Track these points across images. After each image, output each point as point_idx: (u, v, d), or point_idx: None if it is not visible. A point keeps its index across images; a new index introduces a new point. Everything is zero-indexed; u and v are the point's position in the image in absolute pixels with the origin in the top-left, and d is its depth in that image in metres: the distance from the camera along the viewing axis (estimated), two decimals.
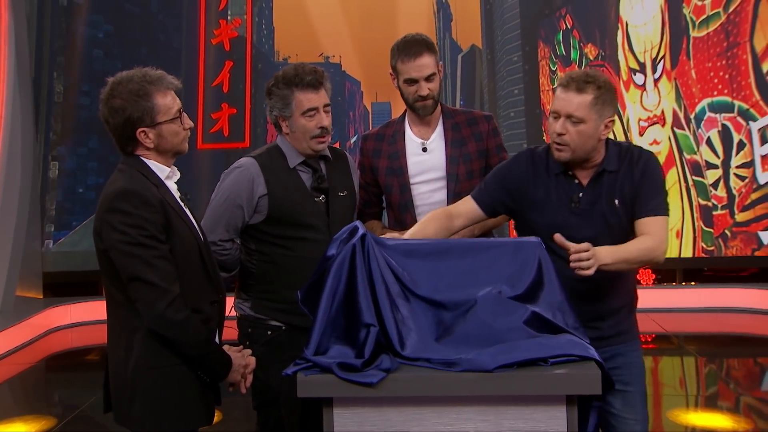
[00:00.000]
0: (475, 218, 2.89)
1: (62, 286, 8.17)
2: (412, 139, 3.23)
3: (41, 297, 8.05)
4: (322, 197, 3.02)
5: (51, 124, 8.14)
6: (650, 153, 2.81)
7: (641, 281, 7.95)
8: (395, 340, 2.23)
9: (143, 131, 2.43)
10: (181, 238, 2.42)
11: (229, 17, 8.32)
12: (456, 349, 2.22)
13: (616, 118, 2.73)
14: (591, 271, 2.47)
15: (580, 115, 2.63)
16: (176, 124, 2.45)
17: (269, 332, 2.99)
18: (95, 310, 7.31)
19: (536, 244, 2.43)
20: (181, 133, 2.48)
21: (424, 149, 3.21)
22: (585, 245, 2.48)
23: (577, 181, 2.74)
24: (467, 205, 2.85)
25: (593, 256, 2.48)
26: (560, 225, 2.62)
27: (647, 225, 2.67)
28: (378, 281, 2.27)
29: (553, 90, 2.72)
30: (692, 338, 6.96)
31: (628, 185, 2.70)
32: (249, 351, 2.62)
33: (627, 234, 2.66)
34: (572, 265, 2.46)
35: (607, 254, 2.54)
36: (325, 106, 2.97)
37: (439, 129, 3.23)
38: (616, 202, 2.70)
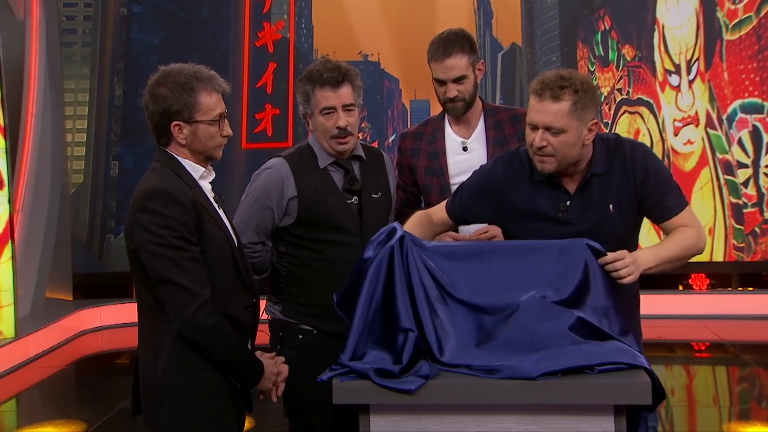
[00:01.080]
0: (451, 228, 2.70)
1: (93, 288, 8.04)
2: (452, 137, 3.07)
3: (71, 299, 7.92)
4: (354, 199, 2.85)
5: (112, 126, 8.25)
6: (642, 144, 2.56)
7: (694, 286, 7.67)
8: (434, 345, 2.12)
9: (178, 125, 2.30)
10: (214, 240, 2.30)
11: (272, 20, 8.33)
12: (497, 355, 2.11)
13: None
14: (633, 278, 2.27)
15: (560, 125, 2.34)
16: (214, 128, 2.32)
17: (300, 336, 2.84)
18: (126, 312, 7.15)
19: (583, 245, 2.26)
20: (217, 139, 2.34)
21: (465, 148, 3.04)
22: (622, 252, 2.27)
23: (563, 188, 2.47)
24: (441, 214, 2.66)
25: (633, 263, 2.27)
26: (547, 237, 2.36)
27: (677, 222, 2.44)
28: (417, 285, 2.17)
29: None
30: (750, 347, 6.52)
31: (624, 187, 2.44)
32: (282, 358, 2.49)
33: (623, 241, 2.38)
34: (613, 274, 2.26)
35: (650, 257, 2.33)
36: (346, 106, 2.78)
37: (481, 127, 3.06)
38: (611, 207, 2.44)
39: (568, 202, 2.45)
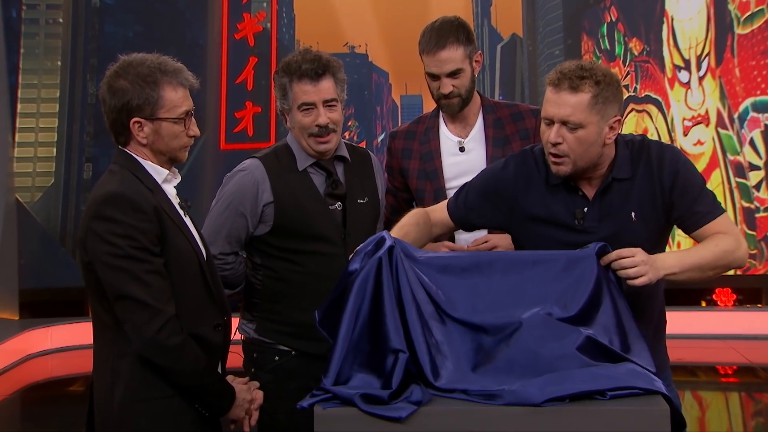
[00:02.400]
0: (451, 230, 2.62)
1: (41, 306, 7.85)
2: (447, 137, 3.01)
3: (17, 318, 7.77)
4: (337, 204, 2.78)
5: (84, 126, 8.27)
6: (671, 147, 2.46)
7: (719, 302, 7.59)
8: (427, 368, 2.06)
9: (138, 122, 2.23)
10: (178, 251, 2.23)
11: (252, 10, 8.38)
12: (498, 379, 2.05)
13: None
14: (644, 280, 2.17)
15: (577, 119, 2.25)
16: (179, 127, 2.26)
17: (276, 358, 2.77)
18: (80, 332, 6.86)
19: (593, 257, 2.20)
20: (182, 139, 2.28)
21: (462, 149, 2.98)
22: (633, 249, 2.19)
23: (581, 193, 2.38)
24: (441, 215, 2.57)
25: (647, 263, 2.17)
26: (561, 245, 2.29)
27: (711, 229, 2.33)
28: (408, 301, 2.10)
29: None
30: None
31: (649, 194, 2.35)
32: (256, 384, 2.43)
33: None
34: (619, 273, 2.18)
35: (674, 261, 2.23)
36: (328, 101, 2.71)
37: (479, 125, 3.00)
38: (633, 215, 2.35)
39: (585, 209, 2.36)
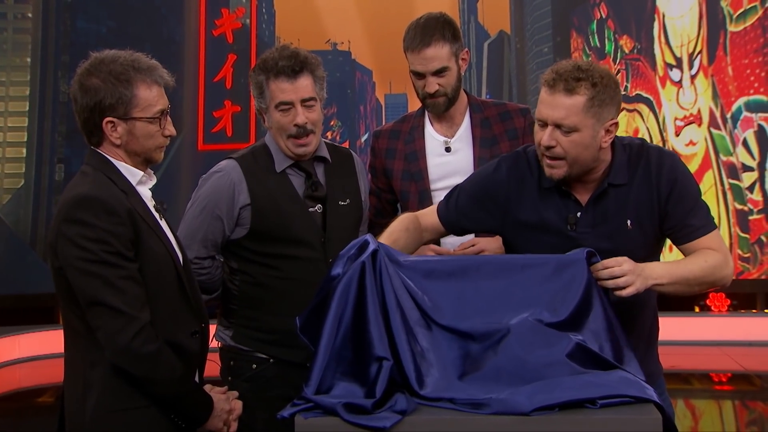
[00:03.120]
0: (442, 234, 2.61)
1: (9, 313, 7.77)
2: (432, 136, 3.00)
3: None
4: (317, 207, 2.76)
5: (56, 125, 8.25)
6: (671, 153, 2.46)
7: (713, 307, 7.63)
8: (412, 376, 2.05)
9: (111, 122, 2.22)
10: (154, 255, 2.21)
11: (231, 6, 8.39)
12: (485, 387, 2.04)
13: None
14: (633, 289, 2.18)
15: (572, 122, 2.24)
16: (154, 126, 2.25)
17: (254, 366, 2.76)
18: (50, 341, 6.89)
19: (583, 260, 2.20)
20: (158, 139, 2.26)
21: (448, 149, 2.98)
22: (620, 258, 2.19)
23: (573, 198, 2.37)
24: (432, 219, 2.55)
25: (635, 272, 2.17)
26: (553, 252, 2.27)
27: (701, 244, 2.34)
28: (392, 306, 2.09)
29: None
30: None
31: (647, 200, 2.34)
32: (235, 393, 2.42)
33: (638, 261, 2.28)
34: (606, 284, 2.17)
35: (662, 271, 2.24)
36: (306, 100, 2.69)
37: (466, 125, 2.99)
38: (629, 222, 2.34)
39: (578, 214, 2.36)
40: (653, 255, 2.40)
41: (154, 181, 2.32)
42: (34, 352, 7.21)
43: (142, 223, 2.19)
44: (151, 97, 2.22)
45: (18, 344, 7.31)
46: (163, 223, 2.30)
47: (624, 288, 2.16)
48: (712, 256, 2.30)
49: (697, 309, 7.61)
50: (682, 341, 6.69)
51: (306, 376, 2.05)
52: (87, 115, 2.22)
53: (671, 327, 6.90)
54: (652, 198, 2.33)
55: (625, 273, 2.16)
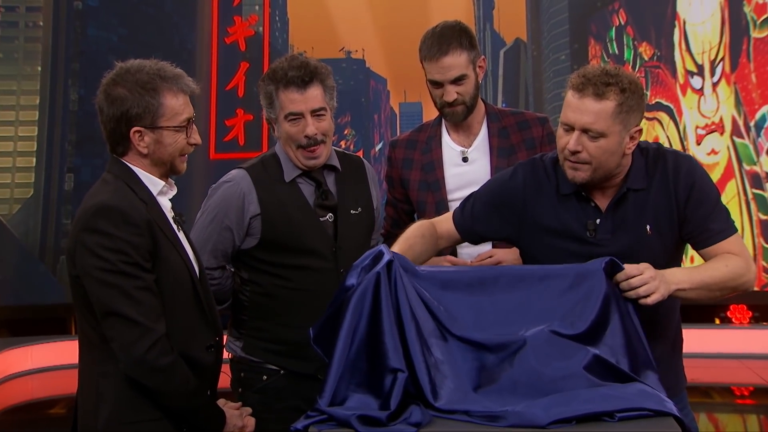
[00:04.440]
0: (458, 242, 2.61)
1: (21, 324, 7.74)
2: (450, 146, 3.02)
3: None
4: (329, 216, 2.78)
5: (66, 134, 8.20)
6: (687, 156, 2.46)
7: (733, 319, 7.53)
8: (427, 388, 2.07)
9: (139, 131, 2.24)
10: (171, 267, 2.24)
11: (243, 13, 8.32)
12: (501, 399, 2.06)
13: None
14: (656, 297, 2.18)
15: (600, 128, 2.25)
16: (181, 135, 2.27)
17: (264, 377, 2.77)
18: (63, 351, 6.86)
19: (601, 271, 2.20)
20: (184, 147, 2.30)
21: (465, 159, 3.00)
22: (642, 265, 2.20)
23: (593, 204, 2.38)
24: (447, 226, 2.56)
25: (657, 278, 2.18)
26: (572, 258, 2.29)
27: (721, 249, 2.34)
28: (407, 317, 2.10)
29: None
30: None
31: (665, 205, 2.35)
32: (248, 410, 2.43)
33: (661, 269, 2.28)
34: (628, 294, 2.18)
35: (684, 277, 2.24)
36: (316, 111, 2.70)
37: (483, 134, 3.01)
38: (648, 228, 2.35)
39: (598, 221, 2.37)
40: (674, 261, 2.40)
41: (174, 191, 2.34)
42: (47, 363, 7.19)
43: (160, 233, 2.21)
44: (177, 105, 2.25)
45: (30, 355, 7.29)
46: (181, 235, 2.32)
47: (647, 296, 2.17)
48: (733, 260, 2.31)
49: (717, 321, 7.50)
50: (702, 354, 6.57)
51: (319, 387, 2.06)
52: (113, 125, 2.24)
53: (691, 339, 6.81)
54: (671, 203, 2.35)
55: (646, 281, 2.16)
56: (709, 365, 6.60)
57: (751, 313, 7.50)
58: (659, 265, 2.26)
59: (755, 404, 6.24)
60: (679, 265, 2.43)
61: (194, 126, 2.31)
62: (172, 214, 2.32)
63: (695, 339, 6.80)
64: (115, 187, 2.23)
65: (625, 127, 2.27)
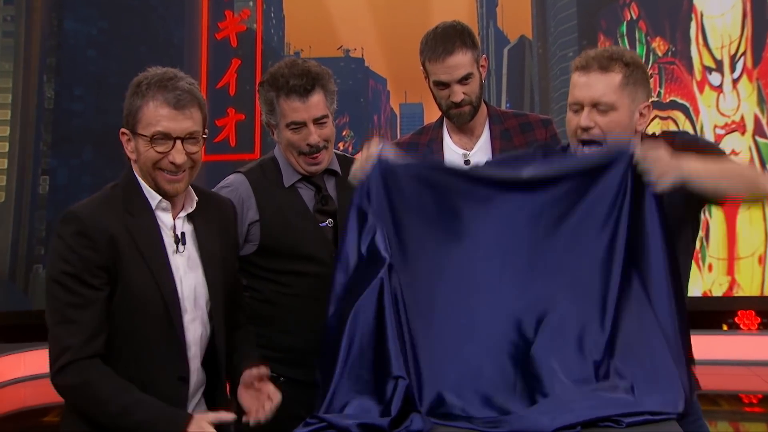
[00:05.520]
0: None
1: (14, 330, 7.75)
2: (451, 149, 3.10)
3: None
4: (328, 221, 2.86)
5: (41, 133, 8.16)
6: (685, 133, 2.62)
7: (741, 325, 7.62)
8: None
9: (124, 133, 2.30)
10: (134, 289, 2.24)
11: (235, 8, 8.29)
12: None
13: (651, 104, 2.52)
14: (667, 184, 2.23)
15: (610, 99, 2.42)
16: (149, 148, 2.24)
17: None
18: None
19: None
20: (158, 162, 2.26)
21: (467, 162, 3.06)
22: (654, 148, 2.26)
23: None
24: None
25: (661, 161, 2.24)
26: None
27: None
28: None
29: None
30: None
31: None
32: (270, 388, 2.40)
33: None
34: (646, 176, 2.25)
35: (698, 164, 2.27)
36: (318, 119, 2.77)
37: (485, 137, 3.10)
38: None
39: None
40: (688, 221, 2.51)
41: (181, 211, 2.35)
42: (40, 369, 7.20)
43: (127, 251, 2.22)
44: (154, 115, 2.22)
45: (23, 362, 7.35)
46: (176, 258, 2.32)
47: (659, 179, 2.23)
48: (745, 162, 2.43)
49: (725, 327, 7.58)
50: (709, 360, 6.57)
51: (318, 394, 2.14)
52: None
53: (698, 345, 6.82)
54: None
55: (654, 161, 2.23)
56: (716, 372, 6.67)
57: (759, 319, 7.58)
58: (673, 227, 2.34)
59: (764, 412, 6.31)
60: (696, 229, 2.56)
61: (179, 145, 2.24)
62: (173, 233, 2.32)
63: (702, 345, 6.81)
64: (100, 195, 2.29)
65: (634, 101, 2.44)
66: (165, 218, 2.32)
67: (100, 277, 2.20)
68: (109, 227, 2.21)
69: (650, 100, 2.51)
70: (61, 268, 2.19)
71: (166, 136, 2.24)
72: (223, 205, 2.53)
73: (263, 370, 2.35)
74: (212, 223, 2.42)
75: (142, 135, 2.25)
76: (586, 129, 2.43)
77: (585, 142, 2.44)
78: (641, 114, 2.47)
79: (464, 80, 2.96)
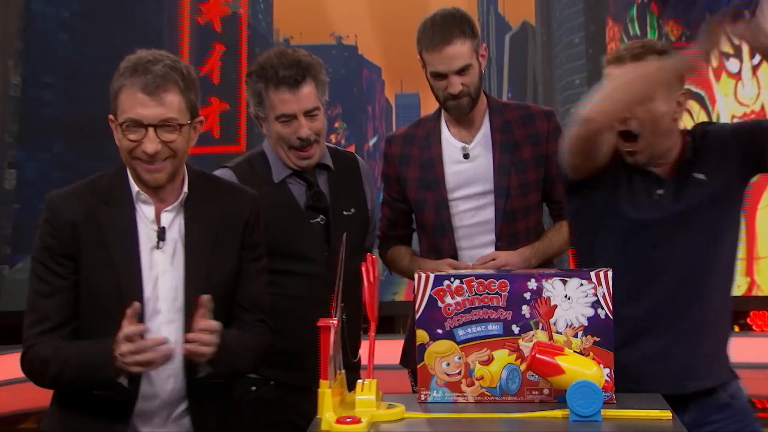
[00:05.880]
0: None
1: None
2: (450, 142, 3.12)
3: None
4: (320, 218, 2.88)
5: (7, 123, 7.99)
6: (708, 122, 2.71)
7: (754, 327, 7.59)
8: None
9: (112, 120, 2.33)
10: (93, 283, 2.30)
11: None
12: None
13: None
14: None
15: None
16: (120, 134, 2.28)
17: (253, 388, 2.83)
18: None
19: None
20: (133, 151, 2.28)
21: (466, 155, 3.10)
22: None
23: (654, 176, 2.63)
24: None
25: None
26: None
27: None
28: None
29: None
30: None
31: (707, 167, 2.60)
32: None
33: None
34: None
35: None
36: (309, 111, 2.81)
37: (485, 129, 3.11)
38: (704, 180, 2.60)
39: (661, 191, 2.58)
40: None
41: (165, 206, 2.35)
42: (15, 374, 7.22)
43: (89, 240, 2.28)
44: (124, 101, 2.26)
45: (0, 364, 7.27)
46: (155, 254, 2.32)
47: None
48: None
49: (737, 328, 7.46)
50: None
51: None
52: None
53: None
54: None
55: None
56: None
57: None
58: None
59: None
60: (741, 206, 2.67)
61: (151, 130, 2.24)
62: (155, 227, 2.33)
63: None
64: (83, 182, 2.37)
65: (669, 89, 2.51)
66: (147, 211, 2.34)
67: (65, 266, 2.28)
68: (72, 215, 2.28)
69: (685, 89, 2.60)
70: (34, 253, 2.30)
71: (137, 123, 2.26)
72: (238, 198, 2.51)
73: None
74: (213, 218, 2.41)
75: (118, 122, 2.29)
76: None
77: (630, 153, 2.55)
78: (678, 102, 2.55)
79: (463, 71, 2.98)
